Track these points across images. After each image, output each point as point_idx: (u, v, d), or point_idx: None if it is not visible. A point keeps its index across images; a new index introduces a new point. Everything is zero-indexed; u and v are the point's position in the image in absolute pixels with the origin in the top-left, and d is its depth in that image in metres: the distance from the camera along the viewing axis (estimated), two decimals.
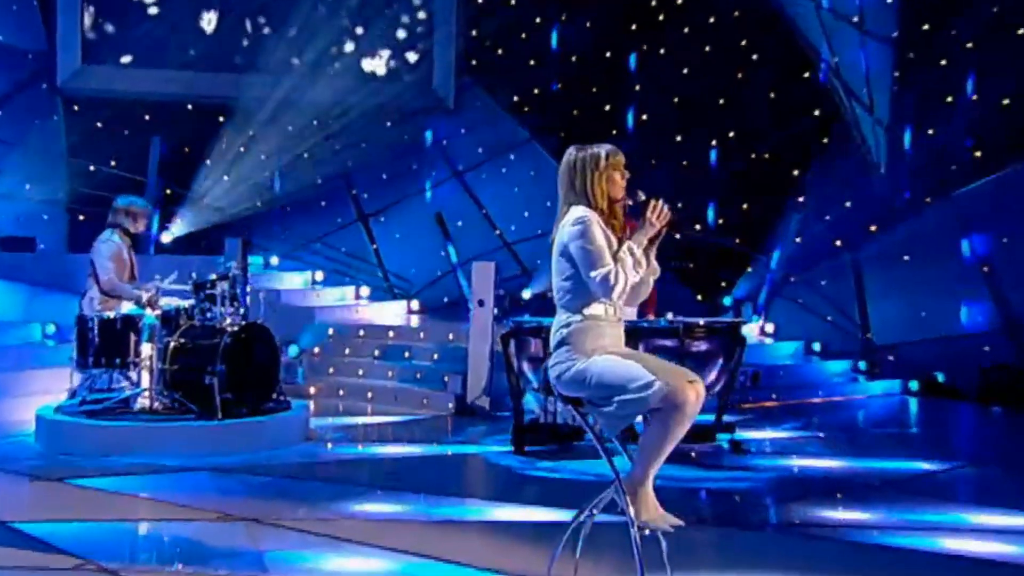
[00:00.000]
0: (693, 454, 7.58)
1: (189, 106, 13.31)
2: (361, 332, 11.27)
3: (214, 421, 7.52)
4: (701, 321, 7.65)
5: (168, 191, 13.07)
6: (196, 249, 12.29)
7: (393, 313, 12.48)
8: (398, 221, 13.97)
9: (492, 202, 13.88)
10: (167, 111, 13.17)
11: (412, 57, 13.83)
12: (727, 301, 12.59)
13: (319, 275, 12.88)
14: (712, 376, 7.51)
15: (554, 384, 4.61)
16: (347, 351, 11.05)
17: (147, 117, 13.12)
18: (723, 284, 12.77)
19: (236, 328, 7.78)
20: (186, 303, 8.08)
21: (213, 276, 7.98)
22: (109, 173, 12.54)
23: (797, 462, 7.55)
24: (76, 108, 13.06)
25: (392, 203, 14.02)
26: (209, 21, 13.25)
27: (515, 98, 14.12)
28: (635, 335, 7.44)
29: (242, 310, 8.11)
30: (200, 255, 11.38)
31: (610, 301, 4.53)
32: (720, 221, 12.94)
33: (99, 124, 13.02)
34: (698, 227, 12.93)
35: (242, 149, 13.21)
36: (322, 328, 11.26)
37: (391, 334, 11.16)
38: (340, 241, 13.83)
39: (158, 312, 7.95)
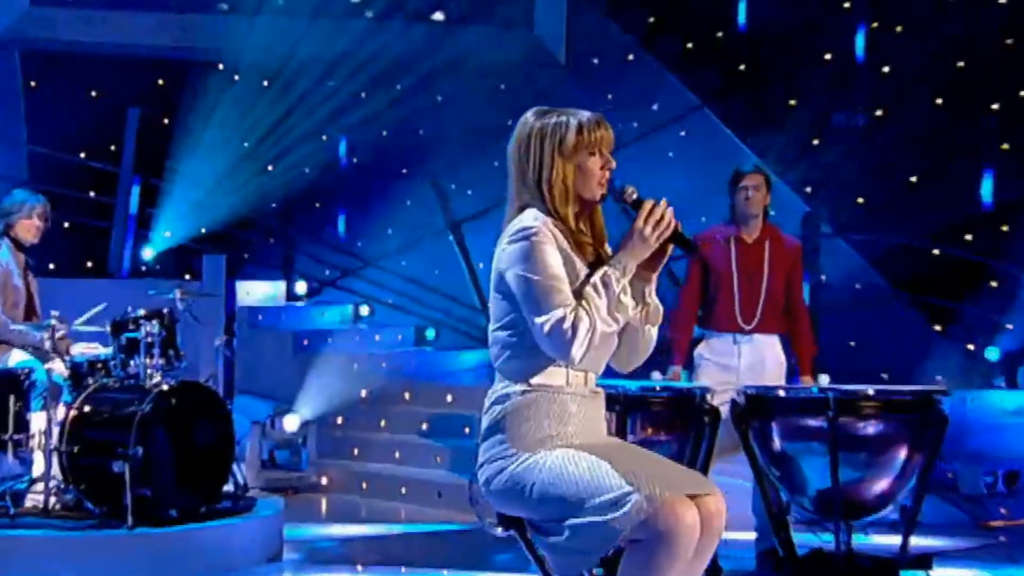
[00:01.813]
0: None
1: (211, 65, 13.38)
2: (407, 395, 11.30)
3: (122, 529, 7.34)
4: (870, 390, 7.06)
5: (151, 182, 13.29)
6: (188, 269, 12.60)
7: (466, 366, 12.45)
8: (488, 232, 13.69)
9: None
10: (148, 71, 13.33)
11: None
12: (993, 355, 12.23)
13: (364, 309, 13.07)
14: (890, 477, 6.96)
15: (484, 495, 4.24)
16: (383, 423, 11.15)
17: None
18: (1009, 327, 12.41)
19: (166, 390, 7.59)
20: (108, 350, 8.00)
21: (141, 311, 7.85)
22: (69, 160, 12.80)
23: None
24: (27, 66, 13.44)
25: (484, 210, 13.85)
26: None
27: (689, 44, 13.92)
28: (762, 410, 7.05)
29: (183, 364, 7.99)
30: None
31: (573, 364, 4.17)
32: (1003, 229, 12.60)
33: (54, 88, 13.32)
34: (968, 237, 12.66)
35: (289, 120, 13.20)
36: (353, 387, 11.31)
37: (449, 398, 11.13)
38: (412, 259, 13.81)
39: (50, 366, 7.84)
